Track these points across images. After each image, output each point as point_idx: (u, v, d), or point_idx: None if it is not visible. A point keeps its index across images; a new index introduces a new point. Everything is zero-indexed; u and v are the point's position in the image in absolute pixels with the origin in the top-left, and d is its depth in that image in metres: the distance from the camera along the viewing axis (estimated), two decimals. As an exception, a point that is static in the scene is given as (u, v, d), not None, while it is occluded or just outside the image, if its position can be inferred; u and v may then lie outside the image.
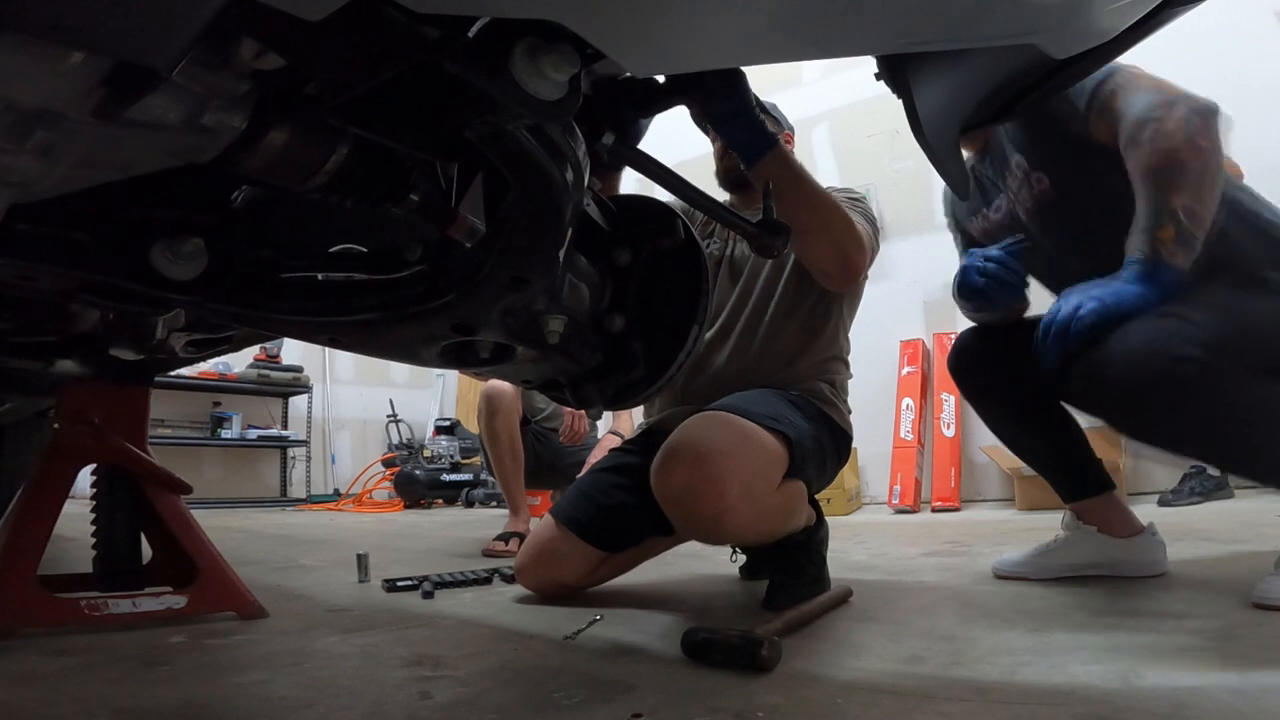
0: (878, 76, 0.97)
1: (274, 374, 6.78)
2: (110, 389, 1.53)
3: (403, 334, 0.95)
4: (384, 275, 0.94)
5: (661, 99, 1.12)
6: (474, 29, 0.64)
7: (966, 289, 1.69)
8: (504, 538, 2.74)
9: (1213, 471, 3.42)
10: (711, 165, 1.86)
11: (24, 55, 0.57)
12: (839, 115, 5.29)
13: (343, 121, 0.73)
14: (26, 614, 1.36)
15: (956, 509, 4.14)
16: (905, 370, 4.74)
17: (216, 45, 0.68)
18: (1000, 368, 1.76)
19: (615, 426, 3.32)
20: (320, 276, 1.02)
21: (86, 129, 0.68)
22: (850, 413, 1.78)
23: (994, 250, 1.68)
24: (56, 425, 1.51)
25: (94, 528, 1.56)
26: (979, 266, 1.66)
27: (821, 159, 5.36)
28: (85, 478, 1.55)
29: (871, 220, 1.75)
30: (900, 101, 0.94)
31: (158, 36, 0.57)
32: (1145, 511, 3.11)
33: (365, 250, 1.02)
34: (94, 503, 1.57)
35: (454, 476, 6.33)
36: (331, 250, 1.04)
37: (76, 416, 1.49)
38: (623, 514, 1.68)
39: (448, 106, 0.70)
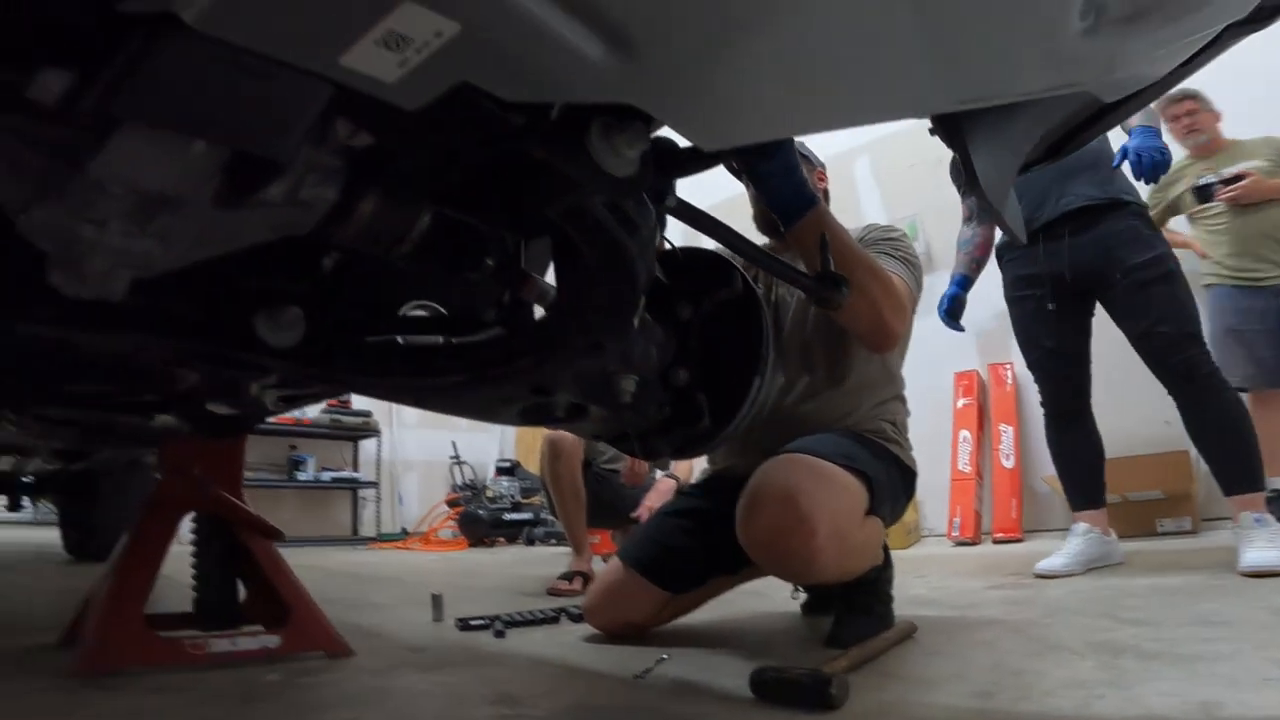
0: (932, 132, 0.99)
1: (345, 419, 7.04)
2: (208, 442, 1.63)
3: (483, 395, 1.00)
4: (464, 338, 1.00)
5: (706, 158, 1.09)
6: (554, 112, 0.67)
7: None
8: (568, 576, 2.79)
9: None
10: (743, 207, 1.82)
11: (151, 144, 0.60)
12: (880, 145, 5.25)
13: (435, 204, 0.78)
14: (135, 653, 1.43)
15: (1019, 540, 4.04)
16: (961, 402, 4.65)
17: (318, 126, 0.71)
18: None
19: (673, 469, 3.35)
20: (401, 340, 1.08)
21: (204, 212, 0.73)
22: (912, 449, 1.79)
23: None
24: (159, 476, 1.62)
25: (194, 571, 1.65)
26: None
27: (864, 190, 5.34)
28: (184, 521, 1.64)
29: (913, 263, 1.73)
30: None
31: (278, 127, 0.60)
32: (1219, 539, 3.00)
33: (445, 312, 1.09)
34: (194, 547, 1.66)
35: (515, 515, 6.44)
36: (412, 313, 1.10)
37: (177, 468, 1.60)
38: (688, 556, 1.71)
39: (530, 187, 0.74)
